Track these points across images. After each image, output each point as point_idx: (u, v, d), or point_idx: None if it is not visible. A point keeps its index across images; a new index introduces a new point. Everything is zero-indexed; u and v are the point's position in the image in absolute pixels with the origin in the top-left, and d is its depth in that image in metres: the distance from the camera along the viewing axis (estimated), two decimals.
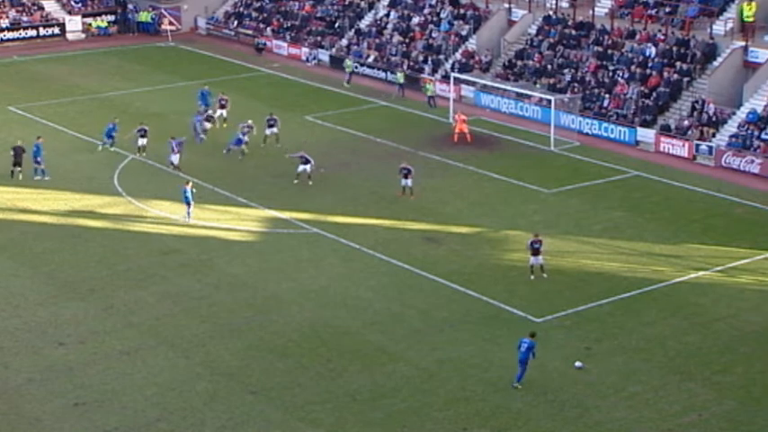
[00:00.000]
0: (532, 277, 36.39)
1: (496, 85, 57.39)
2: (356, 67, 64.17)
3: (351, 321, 33.68)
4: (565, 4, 62.65)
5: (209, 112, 53.38)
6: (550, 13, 62.12)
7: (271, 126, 51.16)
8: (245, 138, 49.12)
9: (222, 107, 54.33)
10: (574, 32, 60.07)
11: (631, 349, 31.89)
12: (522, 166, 48.60)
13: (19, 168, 46.49)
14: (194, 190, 41.92)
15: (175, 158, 47.16)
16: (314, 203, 43.71)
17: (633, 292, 35.57)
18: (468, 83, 58.84)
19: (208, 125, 51.97)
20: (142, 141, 49.22)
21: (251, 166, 48.38)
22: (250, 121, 50.00)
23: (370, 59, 65.31)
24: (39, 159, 46.16)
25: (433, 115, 56.65)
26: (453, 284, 36.05)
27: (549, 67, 58.42)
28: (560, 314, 33.75)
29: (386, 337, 32.56)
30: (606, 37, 58.49)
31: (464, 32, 64.23)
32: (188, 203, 41.53)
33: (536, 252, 36.28)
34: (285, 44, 71.36)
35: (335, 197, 44.60)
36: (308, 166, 45.35)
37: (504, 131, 53.97)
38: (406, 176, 43.99)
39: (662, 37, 56.49)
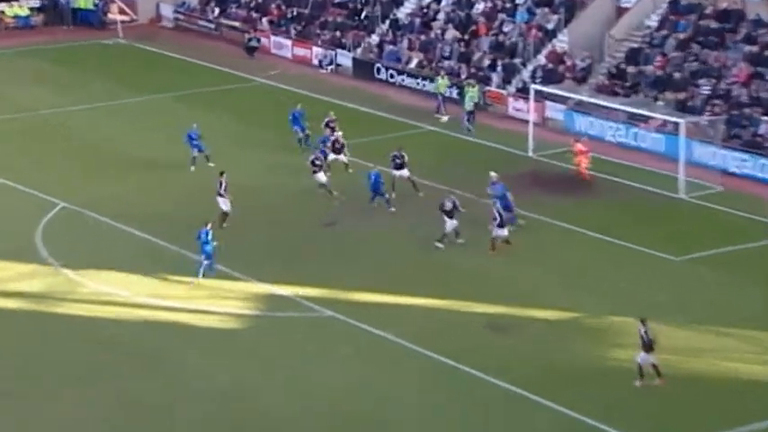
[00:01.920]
0: (638, 383, 36.25)
1: (598, 102, 57.66)
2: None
3: None
4: None
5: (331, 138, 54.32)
6: None
7: (399, 167, 51.16)
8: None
9: (332, 129, 54.84)
10: (714, 25, 60.32)
11: None
12: (635, 222, 48.70)
13: None
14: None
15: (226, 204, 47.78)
16: (326, 273, 43.90)
17: None
18: (555, 99, 59.16)
19: (336, 158, 53.25)
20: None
21: (237, 215, 48.21)
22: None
23: (413, 65, 65.74)
24: None
25: (500, 145, 56.85)
26: (528, 393, 35.98)
27: (678, 75, 58.66)
28: None
29: None
30: (763, 31, 58.66)
31: (550, 25, 64.69)
32: (206, 255, 42.69)
33: (647, 347, 36.24)
34: (289, 42, 72.17)
35: (359, 264, 44.81)
36: (454, 221, 45.94)
37: (608, 169, 54.05)
38: (501, 225, 45.20)
39: None
